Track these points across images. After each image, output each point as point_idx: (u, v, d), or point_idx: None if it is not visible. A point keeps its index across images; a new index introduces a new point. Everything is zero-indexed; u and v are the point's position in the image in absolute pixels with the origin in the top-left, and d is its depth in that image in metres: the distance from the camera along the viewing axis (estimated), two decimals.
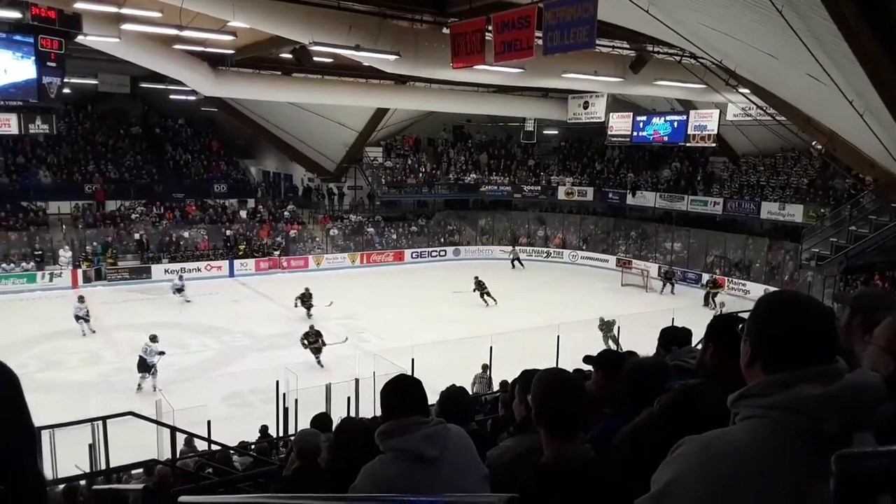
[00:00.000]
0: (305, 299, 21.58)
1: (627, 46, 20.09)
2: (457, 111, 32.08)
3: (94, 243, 27.05)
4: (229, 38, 18.42)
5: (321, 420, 7.34)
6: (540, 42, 12.89)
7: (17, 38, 16.10)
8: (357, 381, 13.28)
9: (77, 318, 19.06)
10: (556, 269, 31.43)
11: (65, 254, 25.77)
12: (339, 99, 27.24)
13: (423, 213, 35.46)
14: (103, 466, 9.48)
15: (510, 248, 32.29)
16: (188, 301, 23.41)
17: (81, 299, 19.57)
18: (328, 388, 13.09)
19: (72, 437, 8.83)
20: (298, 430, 10.12)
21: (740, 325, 1.51)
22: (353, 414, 12.30)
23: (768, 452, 1.19)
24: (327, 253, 31.17)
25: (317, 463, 4.36)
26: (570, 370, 3.43)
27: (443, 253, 33.22)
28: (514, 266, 30.67)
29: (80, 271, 25.65)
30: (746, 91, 16.85)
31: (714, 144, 28.59)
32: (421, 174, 35.01)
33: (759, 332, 1.34)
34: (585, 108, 31.34)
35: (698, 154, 31.80)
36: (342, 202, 34.90)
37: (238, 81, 24.48)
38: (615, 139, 31.78)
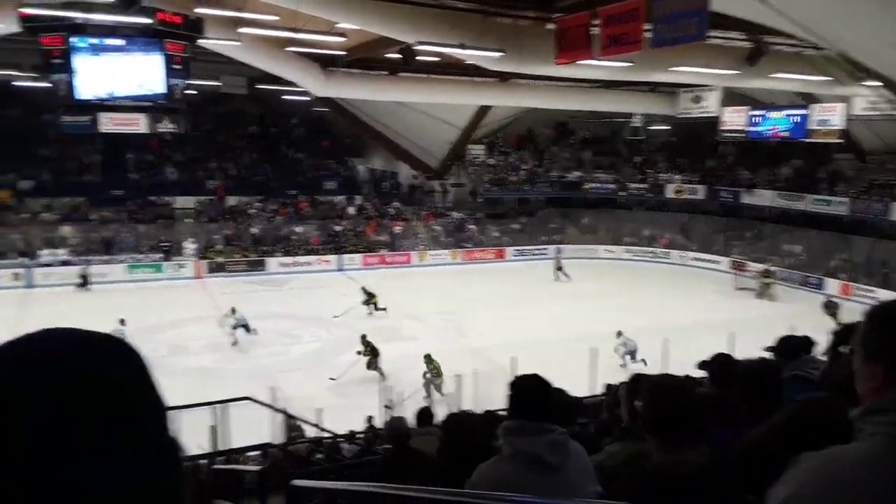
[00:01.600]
0: (369, 298, 21.89)
1: (742, 38, 19.08)
2: (560, 107, 31.64)
3: (215, 236, 28.88)
4: (340, 39, 19.04)
5: (424, 414, 7.52)
6: (648, 35, 12.54)
7: (147, 42, 17.27)
8: (459, 377, 13.46)
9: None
10: (663, 271, 30.38)
11: (189, 246, 27.66)
12: (444, 97, 27.57)
13: (525, 211, 35.27)
14: (222, 447, 10.11)
15: (554, 253, 30.24)
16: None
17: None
18: (429, 384, 13.35)
19: (195, 418, 9.43)
20: (391, 416, 10.43)
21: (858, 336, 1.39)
22: (454, 409, 12.48)
23: (893, 471, 1.13)
24: (430, 249, 31.67)
25: (408, 447, 4.47)
26: (678, 376, 3.34)
27: (545, 251, 32.95)
28: (557, 277, 27.83)
29: (203, 262, 27.45)
30: (875, 83, 15.59)
31: (839, 140, 26.58)
32: (523, 171, 34.83)
33: (886, 343, 1.26)
34: (697, 102, 30.04)
35: (821, 150, 29.70)
36: (445, 199, 35.33)
37: (347, 82, 25.30)
38: (729, 134, 30.25)
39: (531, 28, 17.50)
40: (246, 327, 18.29)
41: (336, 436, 11.05)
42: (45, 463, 0.62)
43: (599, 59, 15.04)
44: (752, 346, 5.66)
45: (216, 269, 27.52)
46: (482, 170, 34.58)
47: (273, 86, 27.95)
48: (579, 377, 13.91)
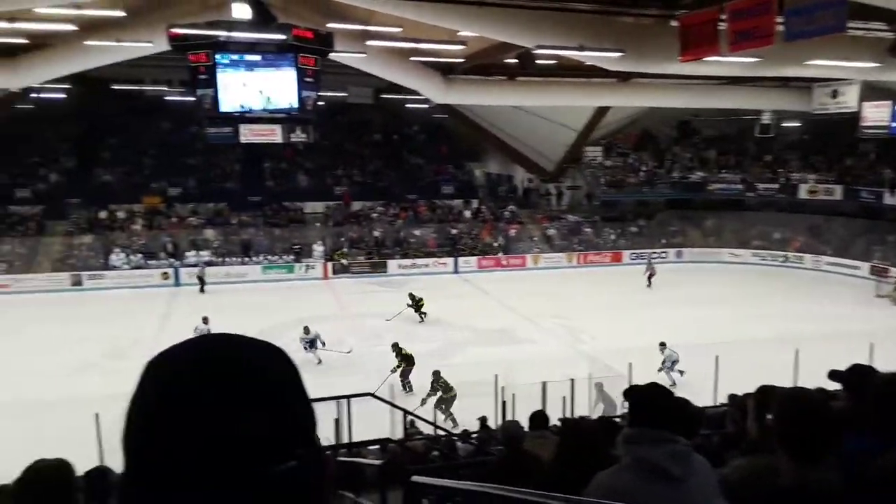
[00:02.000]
0: (417, 304, 21.86)
1: (884, 28, 17.56)
2: (683, 106, 30.45)
3: (342, 239, 30.28)
4: (460, 47, 19.44)
5: (539, 417, 7.57)
6: (781, 28, 11.91)
7: (282, 57, 18.38)
8: (573, 381, 13.36)
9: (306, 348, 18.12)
10: (795, 276, 28.48)
11: (318, 248, 29.21)
12: (562, 100, 27.36)
13: (644, 213, 34.23)
14: (345, 440, 10.62)
15: (646, 257, 28.80)
16: None
17: (307, 330, 18.19)
18: (544, 387, 13.33)
19: (320, 411, 9.94)
20: (505, 419, 10.51)
21: None
22: (567, 414, 12.41)
23: None
24: (545, 252, 31.50)
25: (522, 450, 4.54)
26: (812, 389, 3.23)
27: (664, 254, 31.84)
28: (650, 284, 26.27)
29: (329, 264, 28.85)
30: None
31: None
32: (642, 173, 33.85)
33: None
34: (834, 97, 27.89)
35: None
36: (560, 202, 35.00)
37: (466, 88, 25.75)
38: (870, 131, 27.84)
39: (653, 26, 17.05)
40: (313, 343, 18.05)
41: (451, 434, 11.32)
42: (217, 457, 0.68)
43: (726, 56, 14.43)
44: (894, 358, 5.31)
45: (341, 270, 28.85)
46: (599, 172, 33.95)
47: (397, 95, 28.92)
48: (700, 386, 13.44)
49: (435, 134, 38.25)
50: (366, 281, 27.89)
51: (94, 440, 10.08)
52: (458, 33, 18.04)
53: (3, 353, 17.38)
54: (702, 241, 32.80)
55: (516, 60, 22.62)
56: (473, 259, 30.40)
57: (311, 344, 17.75)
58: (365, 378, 16.09)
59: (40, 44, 19.42)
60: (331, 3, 18.24)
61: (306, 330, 17.96)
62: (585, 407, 12.60)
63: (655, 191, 33.75)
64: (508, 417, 12.64)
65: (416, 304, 21.75)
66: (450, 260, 30.10)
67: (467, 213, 33.47)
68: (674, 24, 15.60)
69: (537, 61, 22.09)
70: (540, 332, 19.98)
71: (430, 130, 38.29)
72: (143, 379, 0.75)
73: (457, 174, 36.88)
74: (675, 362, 16.08)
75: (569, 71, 24.53)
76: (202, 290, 25.69)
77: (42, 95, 26.88)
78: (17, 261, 26.40)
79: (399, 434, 11.64)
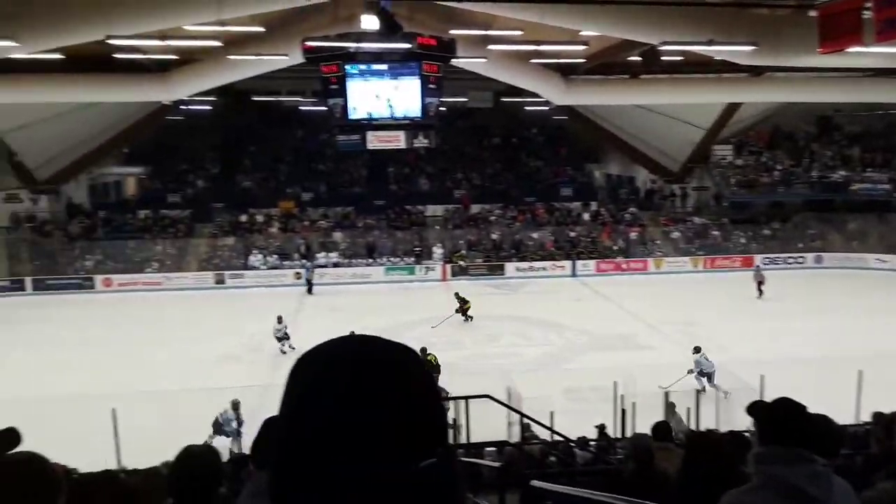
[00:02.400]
0: (462, 304, 21.63)
1: None
2: (822, 100, 28.26)
3: (460, 242, 30.78)
4: (582, 47, 19.24)
5: (662, 428, 7.39)
6: None
7: (407, 65, 18.97)
8: (698, 392, 12.85)
9: (278, 338, 18.98)
10: None
11: (437, 251, 29.88)
12: (688, 97, 26.29)
13: (779, 215, 32.13)
14: (463, 441, 10.83)
15: (755, 268, 26.41)
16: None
17: (280, 320, 19.15)
18: (667, 396, 12.93)
19: None
20: (634, 432, 10.27)
21: None
22: (692, 427, 11.97)
23: None
24: (668, 256, 30.39)
25: (651, 466, 4.45)
26: None
27: (801, 259, 29.77)
28: (760, 294, 24.49)
29: (448, 266, 29.42)
30: None
31: None
32: (777, 172, 31.80)
33: None
34: None
35: None
36: (685, 204, 33.61)
37: (587, 89, 25.39)
38: None
39: (789, 17, 16.04)
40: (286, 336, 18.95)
41: (569, 440, 11.22)
42: (364, 450, 0.72)
43: (872, 46, 13.32)
44: None
45: (459, 272, 29.31)
46: (729, 171, 32.26)
47: (517, 98, 29.02)
48: (840, 402, 12.47)
49: (554, 136, 37.95)
50: (483, 283, 28.12)
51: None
52: (580, 33, 17.87)
53: (151, 343, 19.14)
54: (844, 245, 30.32)
55: (640, 58, 22.03)
56: (592, 262, 29.87)
57: (283, 336, 18.81)
58: (480, 379, 16.29)
59: (189, 59, 21.24)
60: (453, 10, 18.64)
61: (279, 320, 18.97)
62: (712, 419, 12.07)
63: (792, 191, 31.57)
64: (628, 426, 12.39)
65: (463, 305, 21.77)
66: (567, 263, 29.75)
67: (586, 216, 32.94)
68: (812, 13, 14.61)
69: (662, 58, 21.40)
70: (662, 339, 19.34)
71: (549, 132, 38.04)
72: (295, 374, 0.80)
73: (576, 176, 36.40)
74: (706, 373, 15.21)
75: (696, 67, 23.57)
76: (309, 292, 26.67)
77: (190, 108, 29.35)
78: (167, 260, 28.97)
79: (514, 437, 11.70)
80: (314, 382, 0.77)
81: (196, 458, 2.80)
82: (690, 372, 15.27)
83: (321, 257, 29.30)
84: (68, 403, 13.55)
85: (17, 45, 13.48)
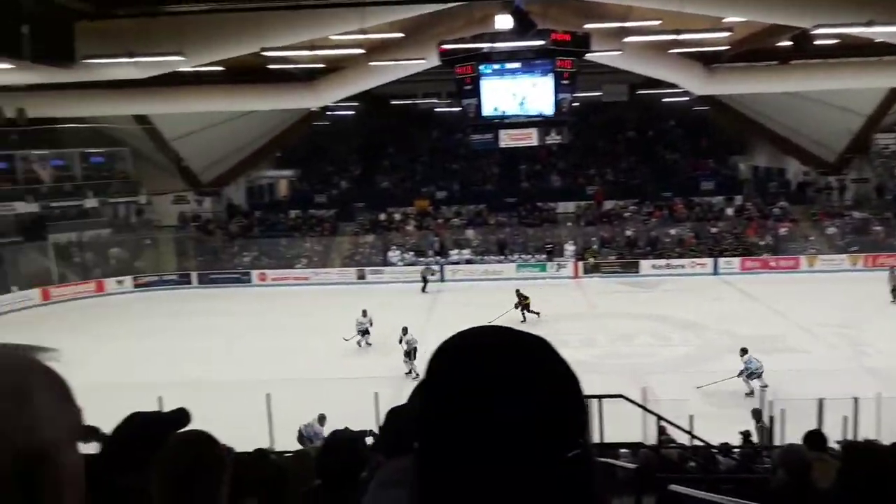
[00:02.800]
0: (522, 300, 21.02)
1: None
2: None
3: (593, 239, 30.30)
4: (725, 34, 18.27)
5: (816, 437, 6.99)
6: None
7: (539, 62, 18.94)
8: (856, 400, 11.89)
9: (360, 332, 19.54)
10: None
11: (569, 248, 29.59)
12: (845, 82, 24.12)
13: None
14: (597, 441, 10.75)
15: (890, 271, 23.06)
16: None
17: (364, 313, 19.80)
18: (821, 404, 12.08)
19: None
20: (784, 442, 9.70)
21: None
22: (849, 436, 11.11)
23: None
24: (822, 253, 28.13)
25: (807, 481, 4.25)
26: None
27: None
28: (894, 299, 22.01)
29: (580, 263, 29.07)
30: None
31: None
32: None
33: None
34: None
35: None
36: (843, 197, 30.92)
37: (732, 77, 24.08)
38: None
39: None
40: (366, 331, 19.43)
41: (711, 446, 10.80)
42: (509, 438, 0.72)
43: None
44: None
45: (592, 269, 28.86)
46: (892, 162, 29.27)
47: (654, 90, 28.09)
48: None
49: (694, 128, 36.25)
50: (616, 281, 27.52)
51: (372, 415, 11.41)
52: (724, 20, 17.00)
53: (300, 334, 20.51)
54: None
55: (790, 43, 20.56)
56: (736, 260, 28.30)
57: (365, 331, 19.15)
58: (614, 378, 16.01)
59: (334, 67, 22.53)
60: (588, 4, 18.40)
61: (364, 313, 19.31)
62: (872, 429, 11.14)
63: None
64: (776, 434, 11.71)
65: (522, 301, 21.35)
66: (709, 260, 28.37)
67: (729, 211, 31.20)
68: None
69: (815, 42, 19.85)
70: (815, 342, 18.03)
71: (688, 124, 36.39)
72: (438, 363, 0.79)
73: (718, 169, 34.58)
74: (754, 372, 14.86)
75: (854, 50, 21.61)
76: (424, 290, 26.77)
77: (335, 113, 31.10)
78: (314, 257, 30.90)
79: (650, 440, 11.43)
80: (459, 373, 0.77)
81: (342, 444, 2.98)
82: (740, 374, 14.96)
83: (454, 254, 29.98)
84: (226, 387, 14.91)
85: (184, 59, 14.97)
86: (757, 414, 12.39)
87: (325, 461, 2.92)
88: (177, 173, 30.73)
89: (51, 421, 0.78)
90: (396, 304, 24.49)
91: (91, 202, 30.29)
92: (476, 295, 25.41)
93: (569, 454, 0.74)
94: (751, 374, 15.02)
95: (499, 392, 0.73)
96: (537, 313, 21.51)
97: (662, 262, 28.65)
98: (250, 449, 5.83)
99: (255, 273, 29.87)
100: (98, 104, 23.01)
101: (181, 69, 17.64)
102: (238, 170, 33.00)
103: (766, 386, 14.38)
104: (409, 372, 17.01)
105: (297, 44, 16.67)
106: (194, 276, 29.97)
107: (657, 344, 19.05)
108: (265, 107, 25.67)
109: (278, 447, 10.65)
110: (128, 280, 29.15)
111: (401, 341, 17.52)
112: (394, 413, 2.14)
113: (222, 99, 23.34)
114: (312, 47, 17.40)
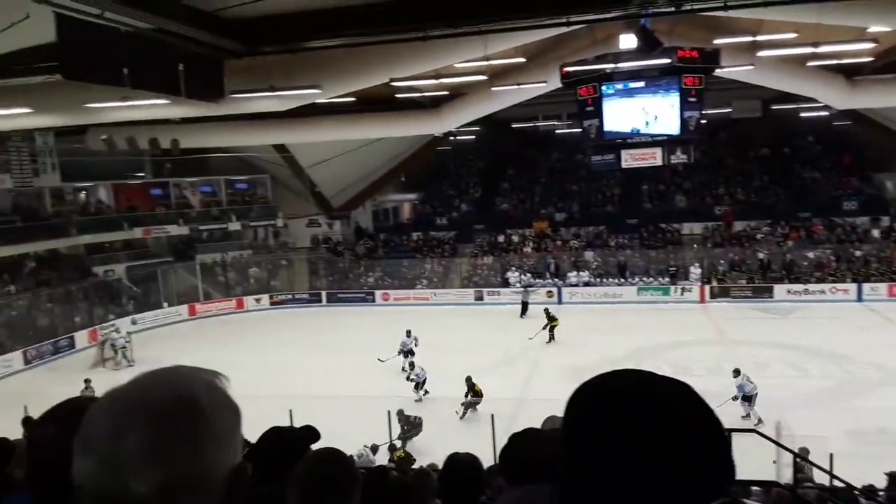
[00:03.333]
0: (551, 321, 20.46)
1: None
2: None
3: (721, 261, 28.96)
4: (870, 45, 17.10)
5: None
6: None
7: (665, 80, 18.47)
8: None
9: (403, 353, 19.29)
10: None
11: (695, 271, 28.42)
12: None
13: None
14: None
15: None
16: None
17: (409, 333, 19.72)
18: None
19: None
20: None
21: None
22: None
23: None
24: None
25: None
26: None
27: None
28: None
29: (707, 287, 27.85)
30: None
31: None
32: None
33: None
34: None
35: None
36: None
37: (877, 89, 22.32)
38: None
39: None
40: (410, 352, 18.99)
41: (853, 487, 10.03)
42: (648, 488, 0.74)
43: None
44: None
45: (720, 294, 27.56)
46: None
47: (789, 105, 26.65)
48: None
49: (834, 144, 33.78)
50: (747, 306, 26.09)
51: (488, 436, 11.53)
52: (868, 30, 15.92)
53: (423, 353, 20.99)
54: None
55: None
56: (883, 286, 26.03)
57: (409, 352, 18.81)
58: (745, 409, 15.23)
59: (457, 94, 23.22)
60: (717, 19, 17.82)
61: (408, 333, 19.27)
62: None
63: None
64: None
65: (551, 322, 21.18)
66: (851, 286, 26.28)
67: (875, 233, 28.74)
68: None
69: None
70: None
71: (828, 140, 33.96)
72: (579, 405, 0.82)
73: (862, 187, 31.94)
74: (748, 395, 14.79)
75: None
76: (522, 315, 25.88)
77: (458, 138, 31.92)
78: (434, 277, 31.70)
79: (784, 478, 10.77)
80: (602, 418, 0.78)
81: (462, 465, 3.01)
82: (735, 398, 14.51)
83: (572, 276, 29.66)
84: (352, 401, 15.59)
85: (320, 91, 16.10)
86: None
87: (446, 482, 2.99)
88: (310, 198, 32.62)
89: (240, 437, 0.93)
90: (514, 326, 24.59)
91: (234, 225, 32.90)
92: (595, 318, 24.99)
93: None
94: (746, 396, 14.78)
95: (645, 440, 0.75)
96: (552, 336, 21.96)
97: (800, 286, 26.85)
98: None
99: (378, 293, 31.06)
100: (242, 135, 25.04)
101: (317, 101, 18.86)
102: (365, 194, 34.60)
103: (755, 411, 14.42)
104: (404, 370, 18.20)
105: (424, 73, 17.37)
106: (324, 294, 31.61)
107: (794, 375, 17.91)
108: (393, 134, 26.82)
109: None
110: (265, 298, 31.21)
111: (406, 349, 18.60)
112: (519, 440, 2.11)
113: (354, 128, 24.65)
114: (438, 76, 18.07)
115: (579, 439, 0.79)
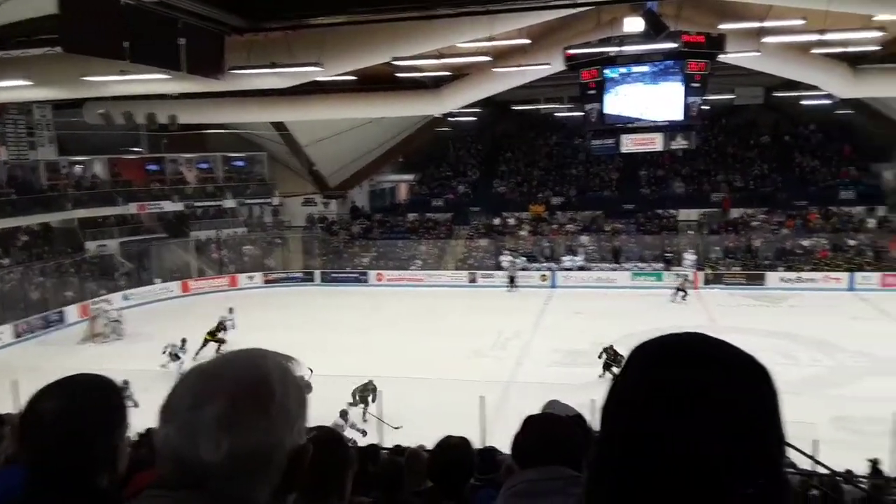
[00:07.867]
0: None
1: None
2: None
3: (715, 248, 29.03)
4: (876, 34, 16.99)
5: None
6: None
7: (668, 65, 18.34)
8: None
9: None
10: None
11: (689, 257, 28.48)
12: None
13: None
14: None
15: None
16: None
17: (231, 310, 20.22)
18: None
19: None
20: None
21: None
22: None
23: None
24: None
25: None
26: None
27: None
28: None
29: (700, 273, 27.95)
30: None
31: None
32: None
33: None
34: None
35: None
36: None
37: (882, 79, 22.23)
38: None
39: None
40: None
41: (835, 473, 10.18)
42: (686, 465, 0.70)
43: None
44: None
45: (713, 280, 27.70)
46: None
47: (792, 92, 26.60)
48: None
49: (836, 133, 33.76)
50: (740, 293, 26.23)
51: (475, 417, 11.47)
52: (874, 18, 15.83)
53: (413, 334, 21.09)
54: None
55: None
56: (875, 275, 26.24)
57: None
58: None
59: (458, 74, 23.02)
60: (725, 3, 17.66)
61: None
62: None
63: None
64: None
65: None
66: (844, 275, 26.46)
67: (871, 222, 28.87)
68: None
69: None
70: None
71: (829, 129, 33.93)
72: (632, 367, 0.80)
73: (860, 177, 31.99)
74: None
75: None
76: (510, 288, 27.83)
77: (458, 119, 31.77)
78: (429, 259, 31.68)
79: None
80: (657, 379, 0.75)
81: (454, 448, 3.05)
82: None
83: (566, 260, 29.72)
84: (339, 381, 15.55)
85: (322, 69, 15.92)
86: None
87: (437, 463, 3.02)
88: (308, 177, 32.52)
89: (305, 420, 0.99)
90: (507, 309, 24.71)
91: (230, 202, 32.77)
92: (587, 302, 25.03)
93: (742, 491, 0.70)
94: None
95: (691, 407, 0.71)
96: None
97: (793, 274, 27.01)
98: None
99: (372, 273, 31.04)
100: (241, 112, 24.86)
101: (318, 79, 18.70)
102: (363, 174, 34.45)
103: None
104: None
105: (427, 52, 17.21)
106: (318, 273, 31.59)
107: (782, 362, 17.95)
108: (393, 114, 26.65)
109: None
110: (258, 276, 31.18)
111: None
112: (533, 423, 2.08)
113: (354, 106, 24.48)
114: (440, 55, 17.89)
115: (623, 401, 0.76)
